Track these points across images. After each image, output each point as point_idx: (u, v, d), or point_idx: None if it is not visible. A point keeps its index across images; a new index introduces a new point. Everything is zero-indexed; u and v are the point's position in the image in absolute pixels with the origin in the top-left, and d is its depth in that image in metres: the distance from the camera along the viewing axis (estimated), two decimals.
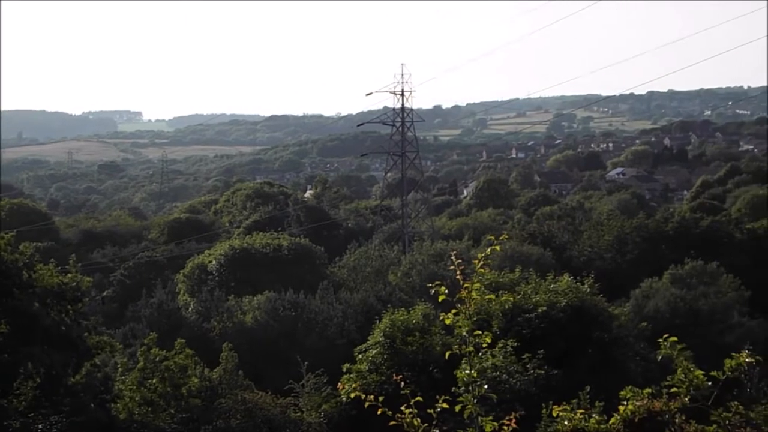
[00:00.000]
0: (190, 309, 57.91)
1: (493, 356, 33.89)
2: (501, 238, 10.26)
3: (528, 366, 34.67)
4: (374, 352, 37.66)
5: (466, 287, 9.87)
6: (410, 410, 9.50)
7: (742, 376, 35.30)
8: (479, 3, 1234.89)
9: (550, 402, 10.14)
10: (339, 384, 11.39)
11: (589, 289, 41.99)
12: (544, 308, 38.86)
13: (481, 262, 10.09)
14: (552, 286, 41.47)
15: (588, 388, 27.77)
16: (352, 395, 9.97)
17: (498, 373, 33.62)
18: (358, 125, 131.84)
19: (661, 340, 9.78)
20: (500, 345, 34.63)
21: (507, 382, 33.71)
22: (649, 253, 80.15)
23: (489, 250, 10.22)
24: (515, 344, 34.78)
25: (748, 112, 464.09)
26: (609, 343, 40.06)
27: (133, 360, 39.45)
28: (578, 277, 43.84)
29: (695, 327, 58.20)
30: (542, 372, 34.72)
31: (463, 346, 9.73)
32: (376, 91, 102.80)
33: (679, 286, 64.24)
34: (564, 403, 11.32)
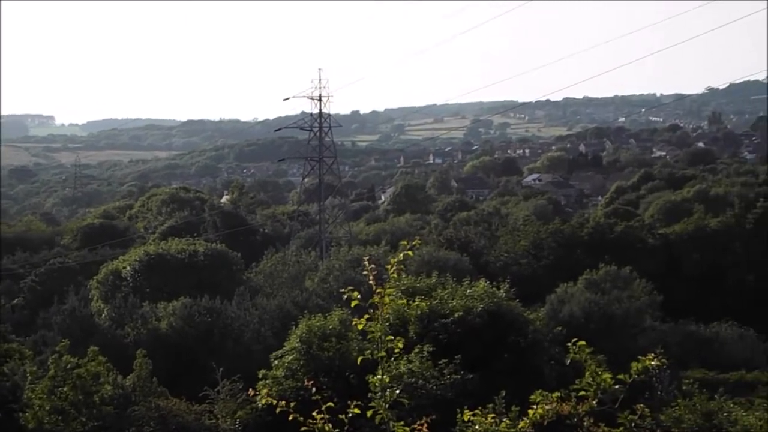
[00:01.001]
0: (103, 315, 57.14)
1: (410, 361, 33.93)
2: (414, 243, 10.22)
3: (444, 371, 34.77)
4: (290, 357, 37.50)
5: (379, 292, 9.82)
6: (322, 416, 9.42)
7: (654, 379, 35.86)
8: (397, 8, 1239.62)
9: (465, 407, 10.12)
10: (249, 390, 11.24)
11: (505, 294, 42.28)
12: (461, 313, 39.00)
13: (394, 267, 10.04)
14: (468, 291, 41.66)
15: (503, 393, 27.96)
16: (263, 401, 9.86)
17: (414, 378, 33.66)
18: (276, 130, 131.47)
19: (570, 344, 9.85)
20: (416, 350, 34.68)
21: (423, 387, 33.77)
22: (564, 259, 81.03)
23: (402, 255, 10.19)
24: (432, 349, 34.86)
25: (661, 119, 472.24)
26: (524, 347, 40.35)
27: (44, 368, 38.73)
28: (494, 282, 44.12)
29: (609, 331, 58.94)
30: (458, 377, 34.85)
31: (376, 352, 9.68)
32: (294, 96, 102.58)
33: (594, 291, 65.02)
34: (480, 407, 11.34)
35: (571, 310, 61.29)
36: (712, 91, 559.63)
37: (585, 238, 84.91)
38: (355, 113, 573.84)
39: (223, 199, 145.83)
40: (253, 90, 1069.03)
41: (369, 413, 9.44)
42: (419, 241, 10.57)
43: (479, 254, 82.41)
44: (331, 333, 37.63)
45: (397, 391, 9.54)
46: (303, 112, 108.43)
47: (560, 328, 48.56)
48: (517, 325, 41.08)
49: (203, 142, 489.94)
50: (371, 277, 9.94)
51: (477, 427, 9.43)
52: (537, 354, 40.56)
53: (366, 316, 9.88)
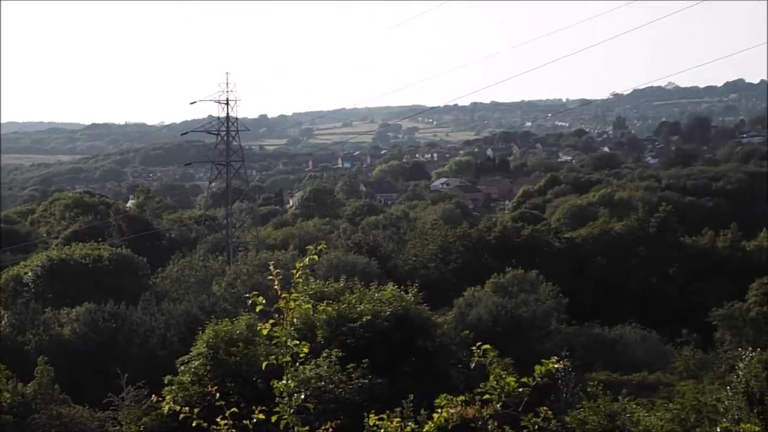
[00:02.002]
0: (3, 322, 55.99)
1: (318, 366, 33.83)
2: (319, 247, 10.14)
3: (352, 375, 34.73)
4: (197, 363, 37.13)
5: (284, 297, 9.73)
6: (225, 422, 9.31)
7: (559, 381, 36.11)
8: (305, 12, 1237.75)
9: (373, 411, 10.07)
10: (153, 396, 11.05)
11: (413, 298, 42.36)
12: (369, 317, 38.99)
13: (300, 272, 9.96)
14: (377, 295, 41.67)
15: (411, 396, 27.98)
16: (166, 407, 9.71)
17: (323, 382, 33.57)
18: (182, 134, 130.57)
19: (475, 347, 9.86)
20: (325, 355, 34.59)
21: (331, 391, 33.69)
22: (472, 262, 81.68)
23: (308, 259, 10.11)
24: (340, 354, 34.80)
25: (567, 124, 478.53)
26: (432, 351, 40.49)
27: None
28: (403, 286, 44.20)
29: (516, 334, 59.47)
30: (366, 381, 34.83)
31: (281, 357, 9.59)
32: (201, 100, 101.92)
33: (501, 295, 65.60)
34: (388, 411, 11.29)
35: (478, 314, 61.70)
36: (617, 97, 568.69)
37: (492, 242, 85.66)
38: (263, 117, 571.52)
39: (129, 204, 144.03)
40: (159, 93, 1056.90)
41: (274, 418, 9.35)
42: (324, 245, 10.50)
43: (388, 258, 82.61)
44: (238, 338, 37.36)
45: (303, 396, 9.46)
46: (210, 116, 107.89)
47: (467, 332, 48.86)
48: (425, 328, 41.20)
49: (108, 145, 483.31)
50: (276, 282, 9.85)
51: (382, 431, 9.39)
52: (444, 358, 40.73)
53: (271, 321, 9.79)
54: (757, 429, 11.70)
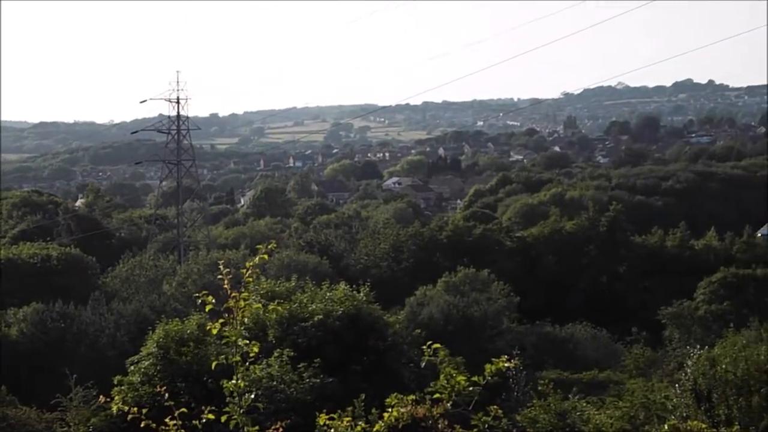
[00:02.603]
0: None
1: (269, 366, 33.70)
2: (269, 246, 10.09)
3: (304, 375, 34.63)
4: (147, 363, 36.80)
5: (234, 296, 9.67)
6: (174, 422, 9.24)
7: (510, 380, 36.27)
8: (257, 11, 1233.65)
9: (324, 410, 10.03)
10: (101, 397, 10.95)
11: (365, 298, 42.30)
12: (321, 317, 38.87)
13: (250, 271, 9.90)
14: (328, 294, 41.54)
15: (363, 396, 27.95)
16: (115, 408, 9.62)
17: (274, 382, 33.44)
18: (133, 133, 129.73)
19: (425, 347, 9.86)
20: (276, 354, 34.46)
21: (283, 391, 33.56)
22: (423, 261, 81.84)
23: (258, 259, 10.05)
24: (291, 353, 34.69)
25: (518, 123, 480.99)
26: (384, 350, 40.44)
27: None
28: (354, 286, 44.15)
29: (468, 333, 59.66)
30: (318, 380, 34.74)
31: (231, 356, 9.53)
32: (151, 98, 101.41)
33: (453, 294, 65.72)
34: (339, 411, 11.25)
35: (430, 313, 61.80)
36: (568, 97, 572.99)
37: (444, 241, 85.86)
38: (214, 116, 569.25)
39: (78, 203, 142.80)
40: (108, 92, 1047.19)
41: (224, 418, 9.29)
42: (275, 245, 10.45)
43: (339, 257, 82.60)
44: (189, 338, 37.09)
45: (253, 396, 9.41)
46: (161, 115, 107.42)
47: (419, 331, 48.88)
48: (377, 328, 41.14)
49: (57, 144, 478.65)
50: (226, 281, 9.79)
51: (332, 431, 9.36)
52: (396, 357, 40.69)
53: (221, 321, 9.73)
54: (703, 426, 11.79)
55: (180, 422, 9.28)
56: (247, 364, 9.57)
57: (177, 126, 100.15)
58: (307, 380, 34.21)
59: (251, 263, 9.99)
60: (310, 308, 39.36)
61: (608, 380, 52.77)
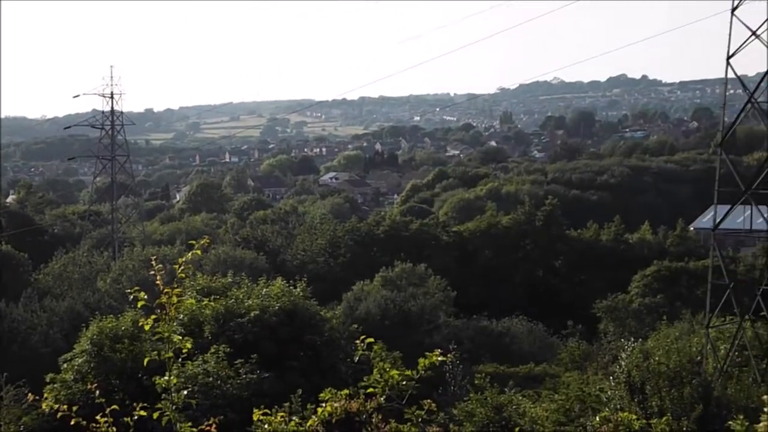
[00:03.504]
0: None
1: (205, 362, 33.50)
2: (202, 242, 10.00)
3: (240, 371, 34.46)
4: (80, 360, 36.40)
5: (166, 292, 9.57)
6: (105, 419, 9.12)
7: (447, 374, 36.32)
8: (191, 5, 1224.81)
9: (262, 406, 9.98)
10: (29, 395, 10.79)
11: (301, 293, 42.22)
12: (257, 313, 38.71)
13: (182, 267, 9.80)
14: (265, 290, 41.40)
15: (300, 391, 27.88)
16: (45, 406, 9.48)
17: (210, 378, 33.25)
18: (65, 128, 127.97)
19: (358, 341, 9.84)
20: (212, 350, 34.27)
21: (219, 387, 33.37)
22: (361, 256, 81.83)
23: (190, 254, 9.96)
24: (228, 349, 34.50)
25: (455, 118, 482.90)
26: (321, 345, 40.38)
27: None
28: (291, 281, 44.04)
29: (405, 328, 59.73)
30: (254, 376, 34.59)
31: (163, 353, 9.43)
32: (84, 94, 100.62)
33: (390, 288, 65.78)
34: (276, 406, 11.19)
35: (367, 308, 61.81)
36: (503, 91, 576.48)
37: (381, 236, 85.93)
38: (149, 111, 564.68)
39: (9, 199, 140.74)
40: (40, 86, 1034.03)
41: (156, 415, 9.19)
42: (208, 241, 10.35)
43: (276, 253, 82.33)
44: (124, 334, 36.75)
45: (185, 392, 9.31)
46: (94, 110, 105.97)
47: (356, 326, 48.90)
48: (314, 323, 41.08)
49: None
50: (159, 277, 9.69)
51: (266, 426, 9.30)
52: (333, 352, 40.66)
53: (153, 317, 9.63)
54: (633, 417, 11.91)
55: (111, 419, 9.17)
56: (180, 360, 9.47)
57: (111, 121, 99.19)
58: (244, 376, 34.05)
59: (184, 259, 9.90)
60: (246, 304, 39.18)
61: (544, 373, 53.11)
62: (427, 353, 9.23)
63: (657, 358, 31.66)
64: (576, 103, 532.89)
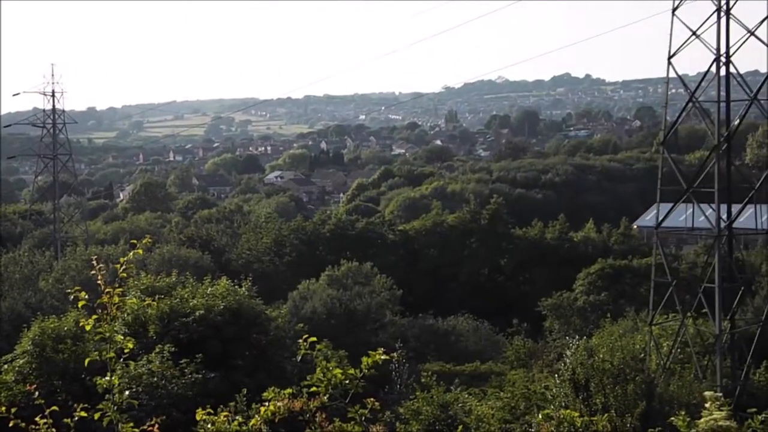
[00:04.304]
0: None
1: (150, 362, 33.26)
2: (144, 242, 9.92)
3: (185, 370, 34.25)
4: (22, 361, 35.97)
5: (107, 292, 9.48)
6: (45, 421, 9.00)
7: (393, 373, 36.34)
8: (132, 3, 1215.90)
9: (208, 405, 9.90)
10: None
11: (247, 292, 42.06)
12: (202, 312, 38.49)
13: (124, 266, 9.71)
14: (210, 289, 41.18)
15: (245, 390, 27.75)
16: None
17: (155, 378, 33.02)
18: (5, 126, 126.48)
19: (300, 340, 9.81)
20: (157, 350, 34.02)
21: (164, 387, 33.14)
22: (306, 255, 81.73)
23: (132, 254, 9.87)
24: (173, 349, 34.28)
25: (400, 117, 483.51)
26: (266, 344, 40.26)
27: None
28: (236, 280, 43.86)
29: (351, 326, 59.80)
30: (200, 376, 34.40)
31: (104, 353, 9.32)
32: (25, 92, 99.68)
33: (336, 287, 65.73)
34: (221, 405, 11.12)
35: (313, 307, 61.73)
36: (449, 90, 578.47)
37: (327, 234, 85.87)
38: (92, 110, 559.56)
39: None
40: None
41: (97, 416, 9.08)
42: (149, 240, 10.27)
43: (221, 252, 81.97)
44: (67, 335, 36.34)
45: (127, 393, 9.22)
46: (35, 108, 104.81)
47: (302, 325, 48.79)
48: (259, 322, 40.93)
49: None
50: (100, 277, 9.60)
51: (210, 426, 9.23)
52: (278, 351, 40.55)
53: (94, 317, 9.53)
54: (575, 415, 11.97)
55: (51, 421, 9.06)
56: (121, 360, 9.37)
57: (52, 120, 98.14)
58: (189, 375, 33.83)
59: (125, 259, 9.83)
60: (191, 303, 38.93)
61: (490, 371, 53.32)
62: (370, 352, 9.22)
63: (601, 356, 31.90)
64: (520, 102, 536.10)
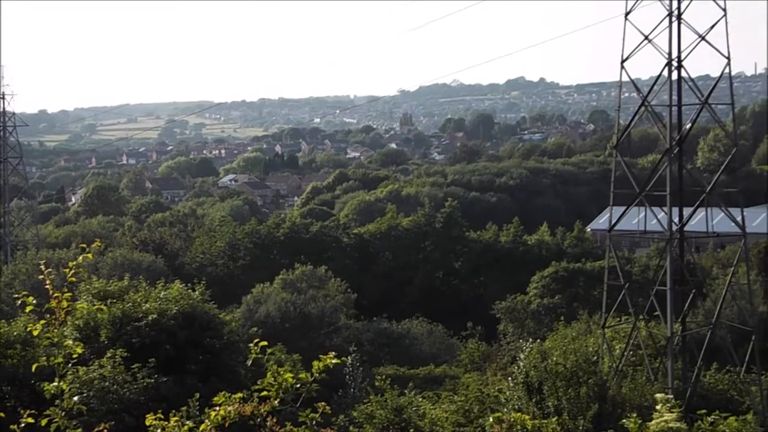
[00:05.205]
0: None
1: (102, 366, 33.00)
2: (93, 245, 9.82)
3: (138, 375, 34.01)
4: None
5: (56, 297, 9.36)
6: None
7: (347, 377, 36.27)
8: (84, 6, 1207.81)
9: (160, 411, 9.80)
10: None
11: (200, 296, 41.84)
12: (155, 316, 38.23)
13: (72, 271, 9.60)
14: (163, 293, 40.91)
15: (198, 395, 27.59)
16: None
17: (107, 383, 32.75)
18: None
19: (252, 345, 9.76)
20: (109, 355, 33.75)
21: (116, 392, 32.88)
22: (261, 259, 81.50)
23: (81, 258, 9.76)
24: (125, 354, 34.03)
25: (355, 121, 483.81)
26: (220, 349, 40.06)
27: None
28: (190, 284, 43.62)
29: (305, 330, 59.71)
30: (152, 381, 34.17)
31: (52, 358, 9.21)
32: None
33: (290, 291, 65.59)
34: (174, 410, 11.02)
35: (267, 310, 61.56)
36: (403, 94, 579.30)
37: (281, 238, 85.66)
38: (43, 112, 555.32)
39: None
40: None
41: (44, 422, 8.96)
42: (99, 244, 10.17)
43: (175, 256, 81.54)
44: (16, 340, 35.94)
45: (76, 398, 9.11)
46: None
47: (256, 329, 48.62)
48: (213, 326, 40.69)
49: None
50: (48, 281, 9.48)
51: (160, 431, 9.15)
52: (232, 355, 40.35)
53: (42, 322, 9.41)
54: (526, 418, 12.01)
55: None
56: (70, 365, 9.26)
57: (3, 122, 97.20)
58: (141, 380, 33.60)
59: (74, 263, 9.72)
60: (144, 307, 38.64)
61: (444, 375, 53.41)
62: (321, 356, 9.18)
63: (554, 359, 32.02)
64: (475, 105, 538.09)
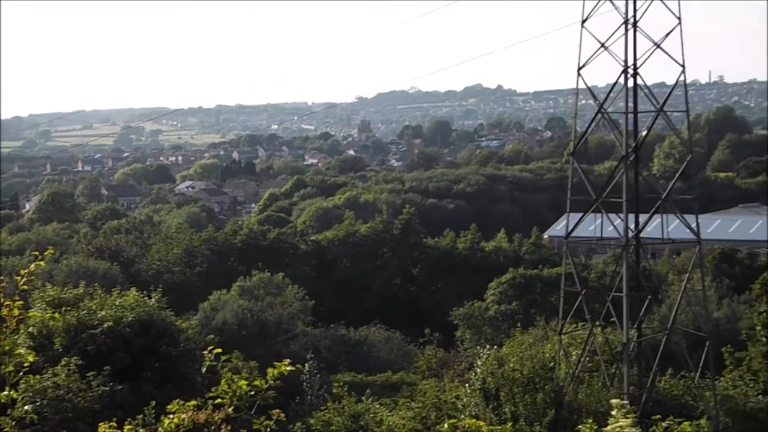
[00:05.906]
0: None
1: (56, 375, 32.71)
2: (46, 253, 9.71)
3: (92, 383, 33.74)
4: None
5: (7, 305, 9.25)
6: None
7: (304, 384, 36.19)
8: (38, 10, 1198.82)
9: (114, 419, 9.70)
10: None
11: (156, 303, 41.60)
12: (110, 324, 37.97)
13: (24, 279, 9.49)
14: (118, 301, 40.66)
15: (153, 403, 27.39)
16: None
17: (61, 391, 32.46)
18: None
19: (206, 352, 9.70)
20: (63, 363, 33.47)
21: (70, 400, 32.60)
22: (218, 266, 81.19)
23: (33, 266, 9.65)
24: (79, 362, 33.76)
25: (313, 127, 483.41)
26: (176, 356, 39.85)
27: None
28: (146, 291, 43.37)
29: (262, 337, 59.51)
30: (107, 389, 33.91)
31: (3, 366, 9.09)
32: None
33: (247, 298, 65.35)
34: (129, 419, 10.93)
35: (224, 318, 61.28)
36: (361, 101, 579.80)
37: (238, 245, 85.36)
38: None
39: None
40: None
41: None
42: (52, 251, 10.06)
43: (131, 263, 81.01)
44: None
45: (28, 407, 9.01)
46: None
47: (213, 336, 48.39)
48: (169, 333, 40.48)
49: None
50: None
51: None
52: (189, 363, 40.14)
53: None
54: (481, 424, 12.00)
55: None
56: (21, 373, 9.15)
57: None
58: (96, 388, 33.33)
59: (25, 271, 9.61)
60: (99, 315, 38.36)
61: (401, 381, 53.40)
62: (276, 363, 9.13)
63: (511, 365, 32.13)
64: (433, 112, 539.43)
